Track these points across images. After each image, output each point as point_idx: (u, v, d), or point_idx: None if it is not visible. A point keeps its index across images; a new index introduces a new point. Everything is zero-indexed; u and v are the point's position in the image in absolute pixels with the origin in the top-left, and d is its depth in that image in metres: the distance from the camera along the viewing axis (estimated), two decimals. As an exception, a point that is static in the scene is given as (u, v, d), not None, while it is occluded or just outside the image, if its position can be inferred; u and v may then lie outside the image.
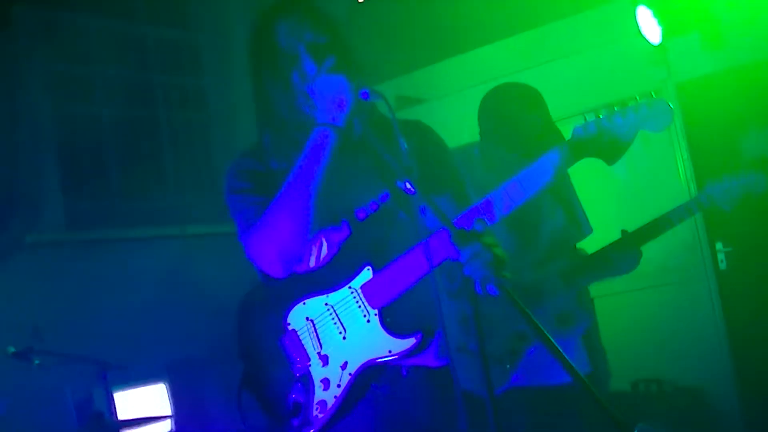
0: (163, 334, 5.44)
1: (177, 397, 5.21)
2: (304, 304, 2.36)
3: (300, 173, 2.20)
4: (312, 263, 2.35)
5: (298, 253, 2.26)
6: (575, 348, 3.28)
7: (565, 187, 3.47)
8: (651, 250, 3.36)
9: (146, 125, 6.35)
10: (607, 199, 5.73)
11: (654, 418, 5.58)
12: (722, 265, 5.93)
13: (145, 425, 4.30)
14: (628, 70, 5.97)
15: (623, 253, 3.32)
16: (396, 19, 6.47)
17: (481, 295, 2.01)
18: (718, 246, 5.93)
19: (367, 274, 2.28)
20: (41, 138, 5.54)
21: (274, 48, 2.35)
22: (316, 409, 2.28)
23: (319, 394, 2.29)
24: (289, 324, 2.37)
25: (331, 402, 2.27)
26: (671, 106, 2.16)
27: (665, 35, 5.43)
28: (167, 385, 5.19)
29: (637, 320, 5.99)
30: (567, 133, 2.27)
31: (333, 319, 2.31)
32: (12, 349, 4.07)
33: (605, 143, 2.16)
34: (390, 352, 2.24)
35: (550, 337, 1.85)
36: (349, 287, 2.30)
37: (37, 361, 4.05)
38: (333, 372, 2.29)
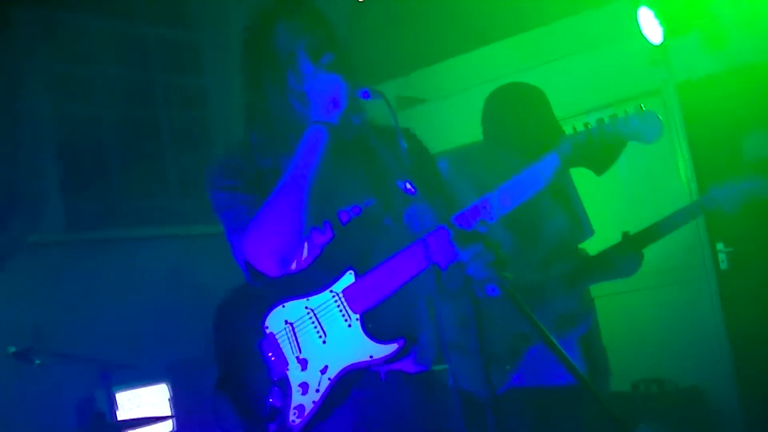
0: (165, 334, 5.44)
1: (178, 398, 5.20)
2: (283, 307, 2.32)
3: (294, 171, 2.19)
4: (293, 266, 2.31)
5: (293, 252, 2.23)
6: (572, 350, 3.27)
7: (567, 187, 3.46)
8: (652, 251, 3.35)
9: (147, 125, 6.36)
10: (608, 200, 5.73)
11: (654, 418, 5.58)
12: (723, 266, 5.93)
13: (147, 426, 4.29)
14: (629, 70, 5.99)
15: (624, 256, 3.31)
16: (396, 19, 6.47)
17: (480, 296, 2.01)
18: (719, 246, 5.93)
19: (349, 278, 2.25)
20: (42, 138, 5.54)
21: (273, 47, 2.34)
22: (294, 413, 2.24)
23: (297, 398, 2.25)
24: (267, 327, 2.33)
25: (309, 407, 2.24)
26: (660, 118, 2.16)
27: (666, 35, 5.43)
28: (169, 385, 5.19)
29: (637, 320, 6.00)
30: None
31: (313, 322, 2.28)
32: (12, 349, 4.07)
33: (594, 153, 2.16)
34: (371, 357, 2.22)
35: (552, 338, 1.85)
36: (331, 291, 2.27)
37: (37, 361, 4.05)
38: (312, 376, 2.26)
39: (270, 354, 2.32)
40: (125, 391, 4.83)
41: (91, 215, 5.81)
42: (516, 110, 3.38)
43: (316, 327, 2.28)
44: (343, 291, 2.25)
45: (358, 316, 2.24)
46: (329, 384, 2.24)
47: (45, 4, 5.68)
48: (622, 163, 2.32)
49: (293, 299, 2.31)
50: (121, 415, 4.48)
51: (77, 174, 5.80)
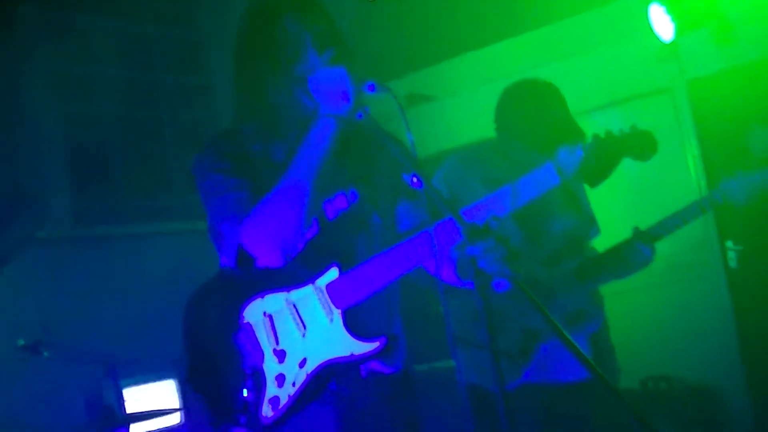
0: (172, 329, 5.43)
1: (186, 394, 5.21)
2: (262, 298, 2.29)
3: (301, 162, 2.19)
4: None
5: (296, 241, 2.22)
6: (582, 348, 3.27)
7: (576, 185, 3.46)
8: (661, 248, 3.34)
9: (151, 123, 6.37)
10: (617, 196, 5.71)
11: (663, 415, 5.57)
12: (732, 264, 5.91)
13: (154, 419, 4.30)
14: (639, 67, 5.97)
15: (635, 251, 3.30)
16: (405, 16, 6.46)
17: (493, 291, 2.01)
18: (729, 244, 5.91)
19: (333, 273, 2.24)
20: (48, 136, 5.56)
21: (279, 37, 2.34)
22: (267, 405, 2.22)
23: (272, 390, 2.23)
24: (244, 318, 2.29)
25: (284, 400, 2.21)
26: (655, 137, 2.21)
27: (677, 32, 5.41)
28: (176, 381, 5.19)
29: (646, 317, 5.99)
30: (586, 129, 2.29)
31: (293, 315, 2.26)
32: (22, 342, 4.08)
33: (590, 168, 2.17)
34: (352, 354, 2.20)
35: (565, 332, 1.85)
36: (314, 285, 2.25)
37: (46, 354, 4.06)
38: (290, 369, 2.23)
39: (246, 345, 2.27)
40: (133, 387, 4.83)
41: (98, 212, 5.82)
42: (533, 105, 3.38)
43: (295, 320, 2.25)
44: (327, 286, 2.24)
45: (340, 311, 2.23)
46: (306, 378, 2.21)
47: (49, 4, 5.69)
48: (631, 160, 2.33)
49: (274, 291, 2.29)
50: (129, 410, 4.49)
51: (84, 171, 5.81)
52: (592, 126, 2.55)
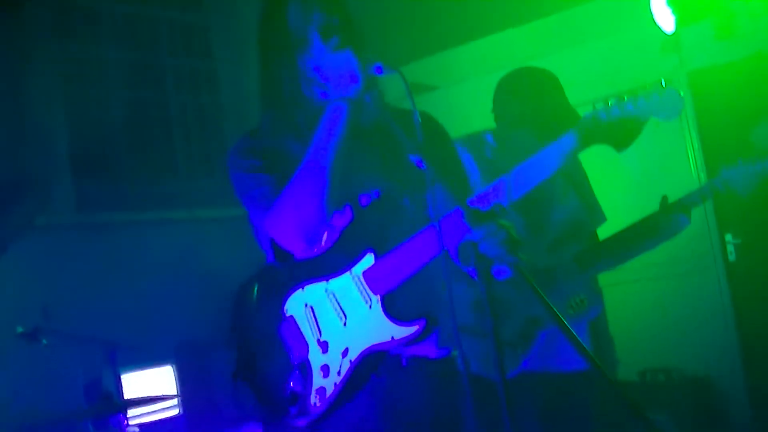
0: (172, 316, 5.45)
1: (184, 380, 5.22)
2: (302, 290, 2.32)
3: (316, 149, 2.20)
4: (319, 245, 2.31)
5: (319, 229, 2.23)
6: (582, 334, 3.27)
7: (578, 171, 3.46)
8: (660, 241, 3.35)
9: (157, 108, 6.36)
10: (617, 188, 5.72)
11: (662, 407, 5.58)
12: (731, 257, 5.92)
13: (153, 405, 4.31)
14: (640, 58, 5.96)
15: (672, 221, 3.27)
16: (408, 5, 6.45)
17: (494, 278, 2.00)
18: (728, 237, 5.92)
19: (369, 259, 2.25)
20: (52, 120, 5.54)
21: (284, 29, 2.34)
22: (315, 396, 2.24)
23: (318, 381, 2.25)
24: (286, 310, 2.33)
25: (330, 389, 2.23)
26: (682, 94, 2.16)
27: (679, 24, 5.41)
28: (175, 367, 5.20)
29: (645, 310, 6.00)
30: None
31: (333, 305, 2.28)
32: (20, 329, 4.08)
33: (615, 130, 2.17)
34: (393, 338, 2.21)
35: (564, 320, 1.85)
36: (351, 273, 2.26)
37: (44, 341, 4.06)
38: (333, 359, 2.25)
39: (290, 337, 2.31)
40: (131, 372, 4.84)
41: (101, 198, 5.81)
42: (530, 92, 3.36)
43: (336, 309, 2.27)
44: (363, 273, 2.25)
45: (378, 297, 2.23)
46: (350, 366, 2.23)
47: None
48: (631, 151, 2.32)
49: (313, 282, 2.31)
50: (127, 395, 4.50)
51: (87, 156, 5.80)
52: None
